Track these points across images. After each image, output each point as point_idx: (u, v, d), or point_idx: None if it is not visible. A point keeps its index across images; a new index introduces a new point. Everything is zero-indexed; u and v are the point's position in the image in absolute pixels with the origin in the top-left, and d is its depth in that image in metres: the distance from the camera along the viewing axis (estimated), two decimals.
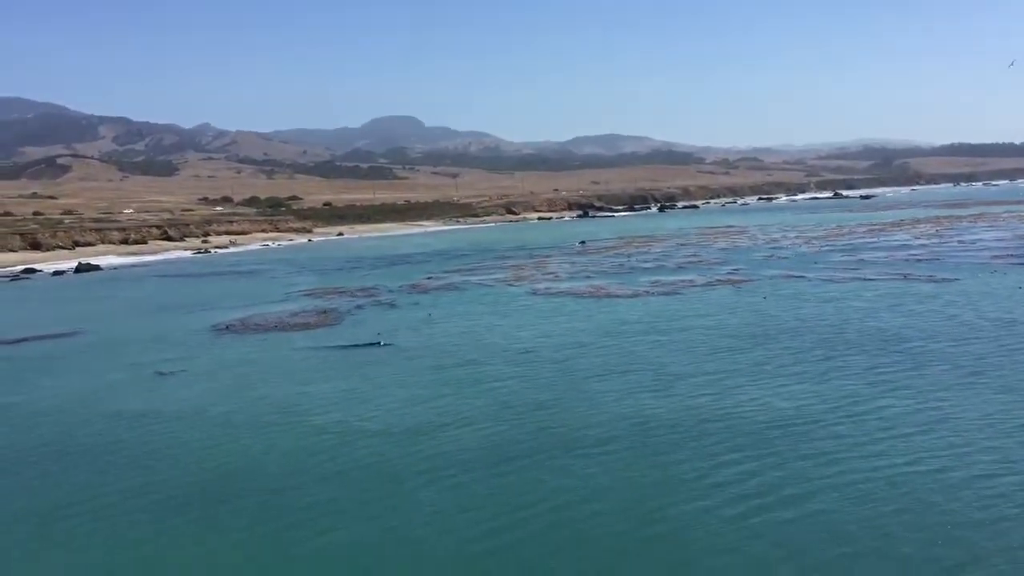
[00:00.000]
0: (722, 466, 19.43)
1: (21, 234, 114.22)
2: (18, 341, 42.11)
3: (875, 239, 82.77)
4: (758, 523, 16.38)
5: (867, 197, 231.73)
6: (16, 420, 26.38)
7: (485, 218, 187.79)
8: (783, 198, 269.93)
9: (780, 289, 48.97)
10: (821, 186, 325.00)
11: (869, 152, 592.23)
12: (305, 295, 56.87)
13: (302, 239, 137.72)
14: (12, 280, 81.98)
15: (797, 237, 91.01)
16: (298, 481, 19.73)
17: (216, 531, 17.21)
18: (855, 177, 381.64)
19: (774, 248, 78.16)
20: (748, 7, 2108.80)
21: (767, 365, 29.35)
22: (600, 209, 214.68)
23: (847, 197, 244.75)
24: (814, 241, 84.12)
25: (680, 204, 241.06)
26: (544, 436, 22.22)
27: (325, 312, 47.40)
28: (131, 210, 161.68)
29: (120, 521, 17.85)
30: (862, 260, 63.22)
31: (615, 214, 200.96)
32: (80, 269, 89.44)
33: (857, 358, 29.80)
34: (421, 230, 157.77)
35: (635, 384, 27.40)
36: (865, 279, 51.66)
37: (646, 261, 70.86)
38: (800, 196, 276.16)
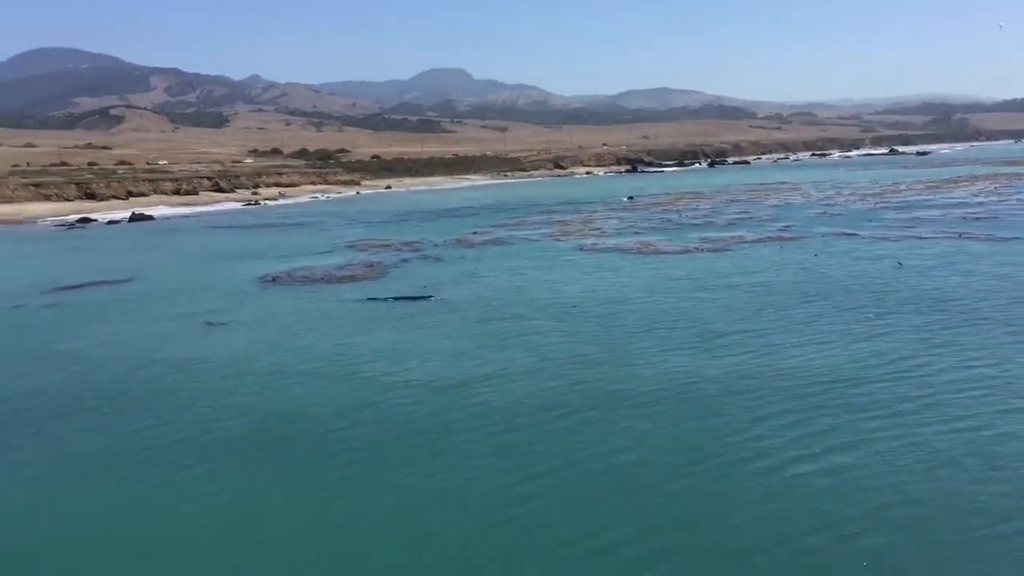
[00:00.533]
0: (766, 423, 19.23)
1: (77, 184, 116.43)
2: (75, 287, 43.10)
3: (931, 196, 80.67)
4: (800, 478, 16.20)
5: (923, 153, 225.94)
6: (73, 366, 27.07)
7: (532, 172, 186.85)
8: (836, 154, 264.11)
9: (832, 246, 48.07)
10: (877, 142, 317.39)
11: (928, 107, 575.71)
12: (352, 248, 57.24)
13: (350, 192, 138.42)
14: (69, 229, 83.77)
15: (851, 194, 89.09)
16: (344, 430, 19.98)
17: (264, 476, 17.54)
18: (912, 133, 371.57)
19: (827, 205, 76.64)
20: None
21: (816, 323, 28.90)
22: (649, 164, 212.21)
23: (903, 153, 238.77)
24: (868, 198, 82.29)
25: (731, 160, 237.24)
26: (588, 390, 22.19)
27: (371, 265, 47.68)
28: (165, 161, 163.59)
29: (172, 465, 18.27)
30: (917, 218, 61.72)
31: (664, 169, 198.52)
32: (134, 219, 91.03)
33: (909, 317, 29.19)
34: (468, 184, 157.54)
35: (680, 340, 27.18)
36: (920, 237, 50.46)
37: (695, 217, 69.97)
38: (854, 152, 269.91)
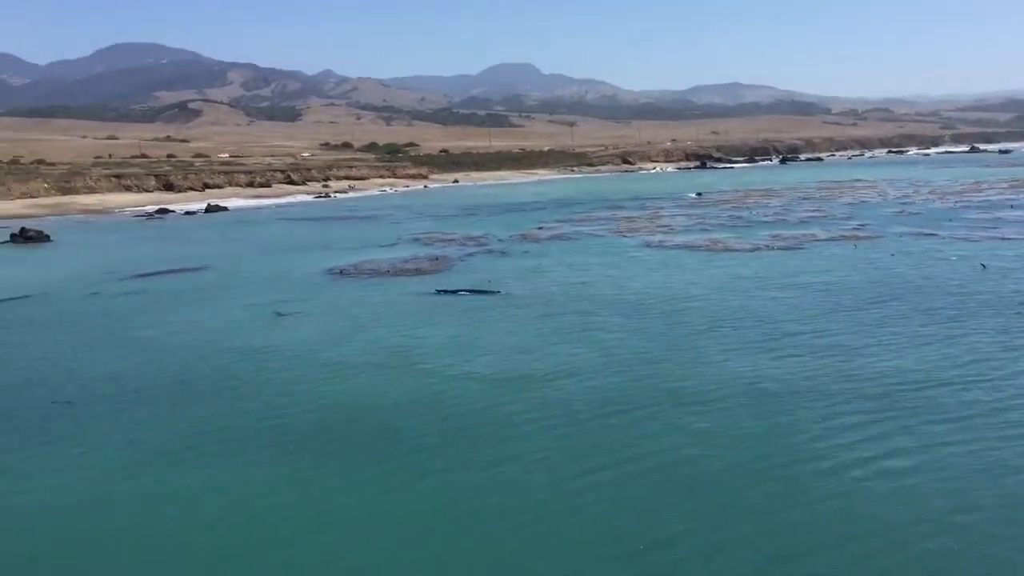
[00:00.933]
0: (837, 427, 18.73)
1: (156, 175, 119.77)
2: (152, 275, 44.32)
3: (1015, 196, 77.81)
4: (872, 486, 15.73)
5: (1006, 151, 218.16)
6: (148, 352, 27.79)
7: (600, 167, 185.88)
8: (914, 151, 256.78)
9: (909, 246, 46.71)
10: (957, 139, 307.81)
11: (1011, 104, 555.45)
12: (418, 241, 57.68)
13: (418, 185, 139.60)
14: (147, 219, 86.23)
15: (930, 192, 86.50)
16: (409, 422, 20.10)
17: (330, 467, 17.73)
18: (994, 130, 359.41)
19: (904, 203, 74.53)
20: None
21: (890, 325, 28.08)
22: (718, 160, 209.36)
23: (984, 151, 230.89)
24: (948, 197, 79.79)
25: (803, 156, 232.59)
26: (653, 389, 21.92)
27: (437, 258, 47.97)
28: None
29: (243, 453, 18.60)
30: (999, 218, 59.59)
31: (734, 165, 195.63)
32: (209, 210, 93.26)
33: (989, 320, 28.16)
34: (535, 178, 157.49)
35: (747, 340, 26.68)
36: (1002, 238, 48.70)
37: (766, 215, 68.74)
38: (933, 150, 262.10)
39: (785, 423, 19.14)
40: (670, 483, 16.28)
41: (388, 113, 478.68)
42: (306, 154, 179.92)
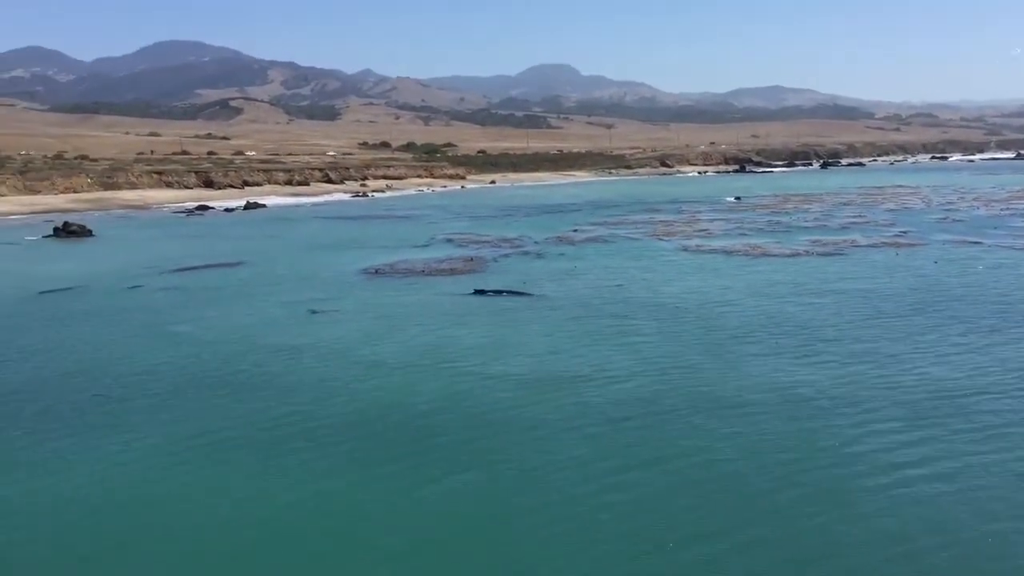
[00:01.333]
0: (872, 435, 18.36)
1: (196, 172, 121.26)
2: (190, 269, 44.82)
3: None
4: (905, 495, 15.42)
5: None
6: (185, 347, 28.05)
7: (638, 170, 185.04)
8: (958, 157, 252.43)
9: (952, 254, 45.83)
10: (1002, 145, 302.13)
11: None
12: (453, 241, 57.72)
13: (456, 186, 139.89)
14: (188, 215, 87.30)
15: (975, 199, 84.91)
16: (443, 422, 20.05)
17: (366, 464, 17.73)
18: None
19: (948, 210, 73.21)
20: None
21: (931, 333, 27.51)
22: (758, 164, 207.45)
23: None
24: (993, 204, 78.24)
25: (844, 161, 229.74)
26: (687, 394, 21.66)
27: (472, 259, 47.94)
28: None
29: (277, 450, 18.67)
30: None
31: (774, 170, 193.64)
32: (248, 207, 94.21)
33: None
34: (573, 180, 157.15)
35: (786, 346, 26.29)
36: None
37: (806, 220, 67.89)
38: (978, 156, 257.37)
39: (818, 429, 18.88)
40: (704, 489, 16.11)
41: (426, 113, 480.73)
42: (331, 153, 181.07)
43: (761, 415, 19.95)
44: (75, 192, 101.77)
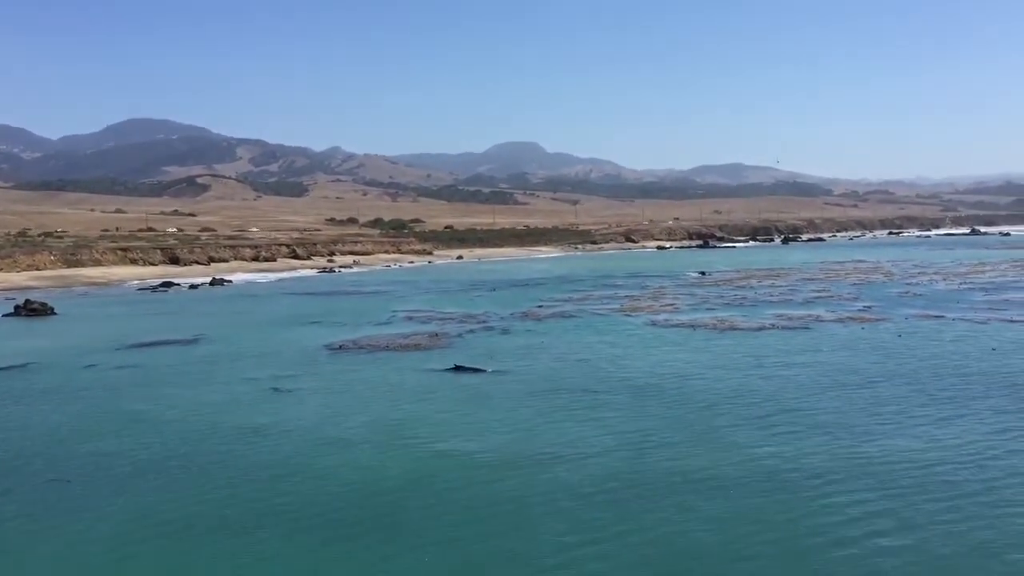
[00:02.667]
0: (836, 506, 18.22)
1: (162, 249, 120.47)
2: (151, 345, 44.00)
3: (1019, 278, 77.76)
4: (869, 565, 15.23)
5: (1007, 235, 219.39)
6: (146, 426, 27.31)
7: (603, 245, 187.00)
8: (914, 233, 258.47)
9: (916, 328, 46.38)
10: (957, 222, 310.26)
11: (1010, 187, 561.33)
12: (416, 318, 57.44)
13: (423, 261, 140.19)
14: (153, 291, 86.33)
15: (934, 274, 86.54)
16: (415, 504, 19.55)
17: (329, 545, 17.18)
18: (995, 213, 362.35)
19: (909, 285, 74.46)
20: (884, 33, 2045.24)
21: (898, 405, 27.60)
22: (721, 239, 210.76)
23: (985, 234, 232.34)
24: (952, 279, 79.76)
25: (805, 236, 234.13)
26: (665, 471, 21.40)
27: (437, 335, 47.63)
28: (256, 229, 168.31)
29: (240, 532, 18.06)
30: (1007, 300, 59.38)
31: (736, 245, 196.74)
32: (214, 283, 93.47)
33: (998, 402, 27.66)
34: (539, 255, 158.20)
35: (755, 420, 26.18)
36: (1011, 320, 48.38)
37: (771, 294, 68.61)
38: (933, 231, 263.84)
39: (784, 499, 18.96)
40: (668, 557, 16.00)
41: (394, 190, 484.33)
42: (298, 229, 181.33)
43: (730, 487, 19.87)
44: (38, 269, 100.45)
